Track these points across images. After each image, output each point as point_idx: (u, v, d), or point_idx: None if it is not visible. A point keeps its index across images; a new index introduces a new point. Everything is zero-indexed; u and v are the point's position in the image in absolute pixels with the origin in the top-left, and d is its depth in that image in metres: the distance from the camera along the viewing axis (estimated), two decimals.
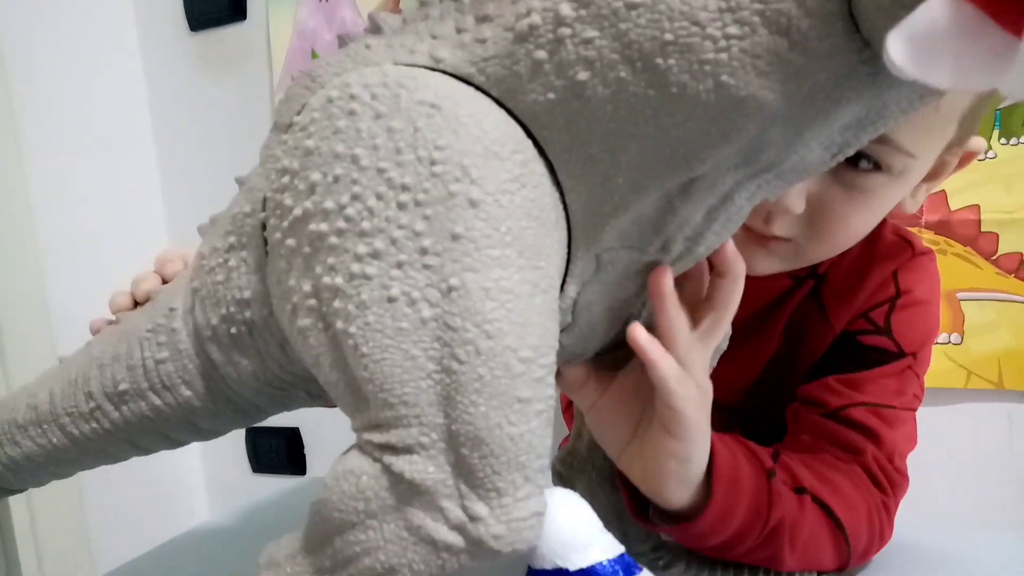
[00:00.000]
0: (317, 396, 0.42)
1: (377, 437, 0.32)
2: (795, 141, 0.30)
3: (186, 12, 1.30)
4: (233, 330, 0.39)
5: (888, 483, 0.53)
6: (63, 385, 0.44)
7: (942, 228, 1.07)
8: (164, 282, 0.46)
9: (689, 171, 0.31)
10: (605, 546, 0.32)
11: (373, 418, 0.32)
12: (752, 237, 0.52)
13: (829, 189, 0.50)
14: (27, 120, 1.15)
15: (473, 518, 0.30)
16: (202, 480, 1.46)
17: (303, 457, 1.37)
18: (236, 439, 1.41)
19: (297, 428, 1.37)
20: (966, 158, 0.54)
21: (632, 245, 0.35)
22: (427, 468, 0.31)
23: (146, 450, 0.45)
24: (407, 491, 0.31)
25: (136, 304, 0.46)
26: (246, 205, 0.38)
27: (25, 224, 1.13)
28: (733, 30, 0.27)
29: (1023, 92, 0.20)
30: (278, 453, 1.36)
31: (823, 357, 0.58)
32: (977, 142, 0.54)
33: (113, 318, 0.46)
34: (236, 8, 1.26)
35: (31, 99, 1.16)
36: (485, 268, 0.30)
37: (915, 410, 0.57)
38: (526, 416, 0.30)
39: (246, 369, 0.40)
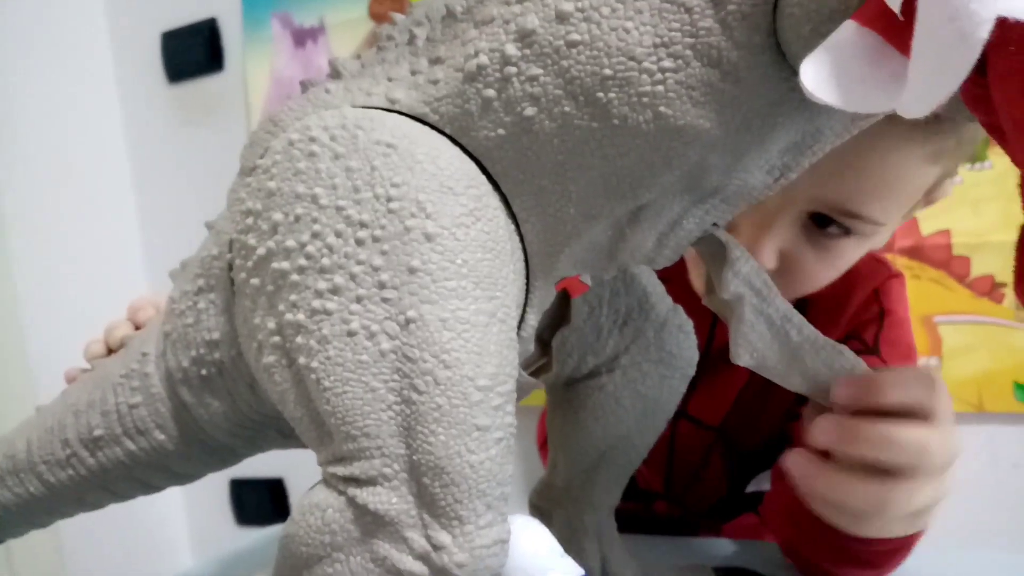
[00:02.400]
0: (288, 435, 0.43)
1: (341, 470, 0.32)
2: (735, 166, 0.32)
3: (164, 63, 1.33)
4: (203, 371, 0.40)
5: None
6: (40, 433, 0.44)
7: (915, 254, 1.09)
8: (137, 328, 0.47)
9: (636, 199, 0.32)
10: (566, 569, 0.32)
11: (337, 451, 0.32)
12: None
13: (800, 248, 0.52)
14: (4, 170, 1.16)
15: (437, 547, 0.30)
16: (186, 533, 1.44)
17: (287, 507, 1.35)
18: (219, 491, 1.39)
19: (281, 479, 1.36)
20: (929, 202, 0.56)
21: (587, 271, 0.36)
22: (391, 499, 0.31)
23: (122, 496, 0.45)
24: (372, 523, 0.31)
25: (110, 351, 0.47)
26: (214, 248, 0.39)
27: (4, 273, 1.13)
28: (667, 64, 0.29)
29: (915, 110, 0.21)
30: (262, 504, 1.34)
31: None
32: (943, 190, 0.55)
33: (88, 366, 0.47)
34: (213, 58, 1.29)
35: (9, 150, 1.17)
36: (442, 300, 0.31)
37: None
38: (485, 444, 0.31)
39: (217, 410, 0.40)
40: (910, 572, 0.56)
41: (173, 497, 1.40)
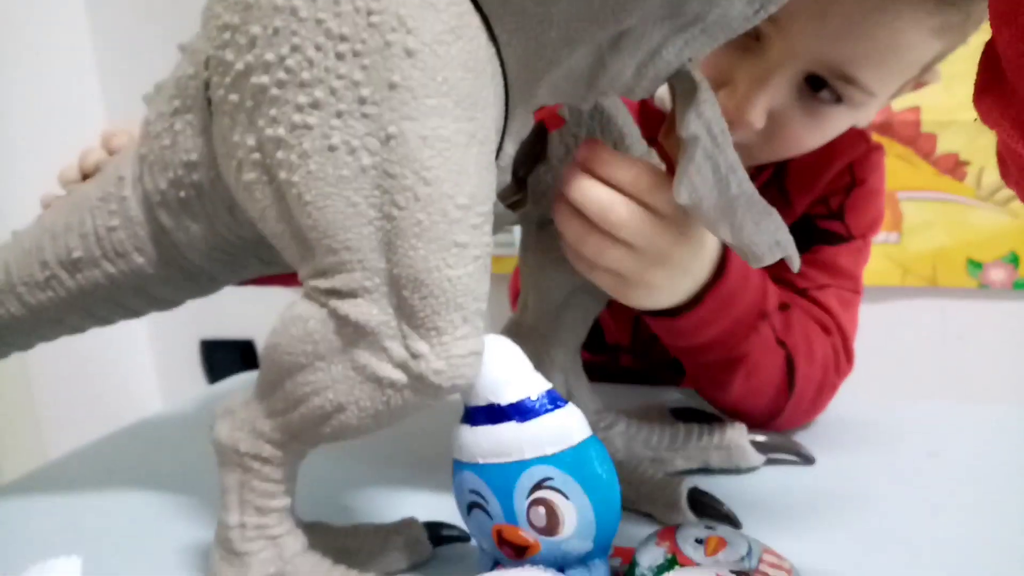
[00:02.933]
0: (268, 262, 0.44)
1: (323, 283, 0.33)
2: None
3: None
4: (182, 194, 0.40)
5: (842, 368, 0.58)
6: (18, 255, 0.44)
7: (885, 129, 1.10)
8: (111, 155, 0.46)
9: (617, 23, 0.32)
10: (533, 383, 0.35)
11: (318, 265, 0.33)
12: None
13: (790, 111, 0.53)
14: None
15: (415, 355, 0.32)
16: (157, 393, 1.47)
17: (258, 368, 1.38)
18: (190, 352, 1.41)
19: (251, 340, 1.37)
20: (919, 84, 0.57)
21: (566, 101, 0.36)
22: (371, 310, 0.32)
23: (104, 320, 0.46)
24: (352, 333, 0.33)
25: (84, 177, 0.47)
26: (189, 68, 0.38)
27: None
28: None
29: None
30: (233, 365, 1.37)
31: None
32: (934, 74, 0.56)
33: (63, 193, 0.46)
34: None
35: None
36: (422, 117, 0.31)
37: (860, 295, 0.62)
38: (463, 260, 0.32)
39: (196, 233, 0.41)
40: (858, 418, 0.60)
41: (144, 358, 1.42)
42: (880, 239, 1.15)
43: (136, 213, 0.42)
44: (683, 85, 0.38)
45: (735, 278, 0.48)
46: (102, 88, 1.36)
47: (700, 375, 0.55)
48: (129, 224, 0.42)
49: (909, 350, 1.16)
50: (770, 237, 0.39)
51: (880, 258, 1.16)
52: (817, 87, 0.51)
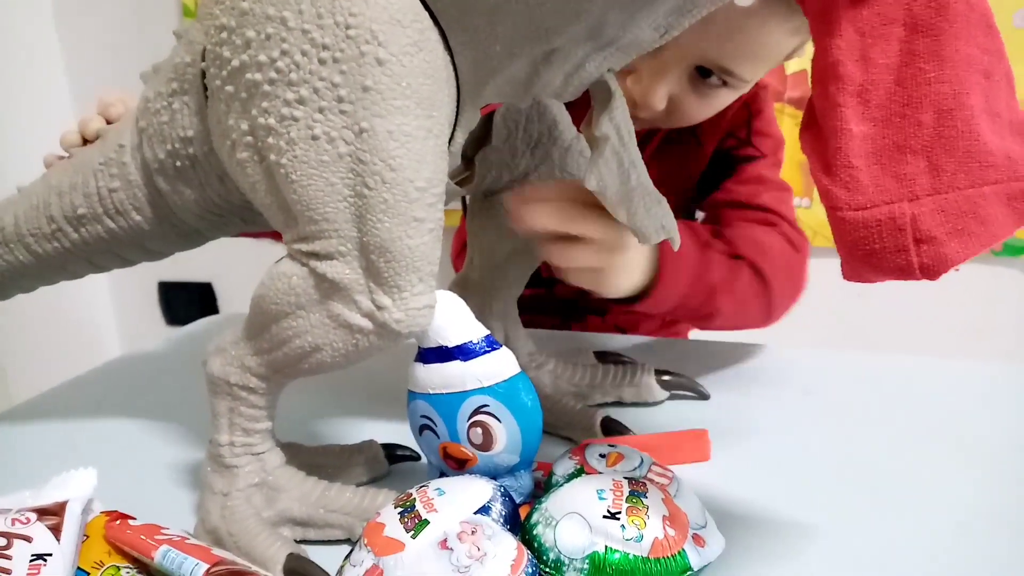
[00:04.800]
0: (249, 222, 0.50)
1: (304, 247, 0.40)
2: (629, 22, 0.39)
3: None
4: (178, 163, 0.46)
5: (799, 243, 0.72)
6: (26, 210, 0.50)
7: (802, 103, 1.20)
8: (108, 123, 0.52)
9: (549, 43, 0.40)
10: (476, 330, 0.43)
11: (301, 232, 0.40)
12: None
13: (684, 95, 0.65)
14: None
15: (380, 307, 0.40)
16: (115, 332, 1.50)
17: (216, 310, 1.41)
18: (148, 293, 1.44)
19: (210, 283, 1.40)
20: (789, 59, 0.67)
21: (507, 100, 0.44)
22: (344, 270, 0.39)
23: (101, 268, 0.53)
24: (328, 288, 0.40)
25: (86, 142, 0.53)
26: (187, 56, 0.44)
27: None
28: None
29: None
30: (191, 305, 1.39)
31: (703, 175, 0.76)
32: (798, 54, 0.66)
33: (65, 154, 0.52)
34: None
35: None
36: (389, 115, 0.38)
37: (789, 192, 0.76)
38: (421, 232, 0.40)
39: (189, 197, 0.48)
40: (748, 362, 0.70)
41: (102, 298, 1.45)
42: (794, 203, 1.26)
43: (135, 177, 0.48)
44: (600, 93, 0.46)
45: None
46: (68, 78, 1.36)
47: (690, 318, 0.68)
48: (128, 187, 0.48)
49: (814, 305, 1.28)
50: (657, 222, 0.48)
51: None
52: (705, 75, 0.63)
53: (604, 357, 0.65)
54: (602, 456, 0.45)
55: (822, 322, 1.29)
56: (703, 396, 0.63)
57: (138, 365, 0.77)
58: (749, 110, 0.75)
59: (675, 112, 0.65)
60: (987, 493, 0.48)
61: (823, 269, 1.28)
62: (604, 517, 0.36)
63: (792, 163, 1.26)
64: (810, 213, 1.25)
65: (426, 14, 0.40)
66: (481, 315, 0.44)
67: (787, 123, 1.23)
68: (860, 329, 1.30)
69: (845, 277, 0.32)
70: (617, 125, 0.46)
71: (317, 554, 0.42)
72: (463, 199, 0.62)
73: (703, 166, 0.77)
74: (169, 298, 1.41)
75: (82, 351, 1.41)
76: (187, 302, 1.39)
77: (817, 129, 0.31)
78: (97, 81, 1.32)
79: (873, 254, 0.30)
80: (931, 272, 0.29)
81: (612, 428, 0.54)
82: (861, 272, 0.31)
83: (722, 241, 0.68)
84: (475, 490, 0.39)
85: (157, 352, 0.80)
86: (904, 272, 0.30)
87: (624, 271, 0.58)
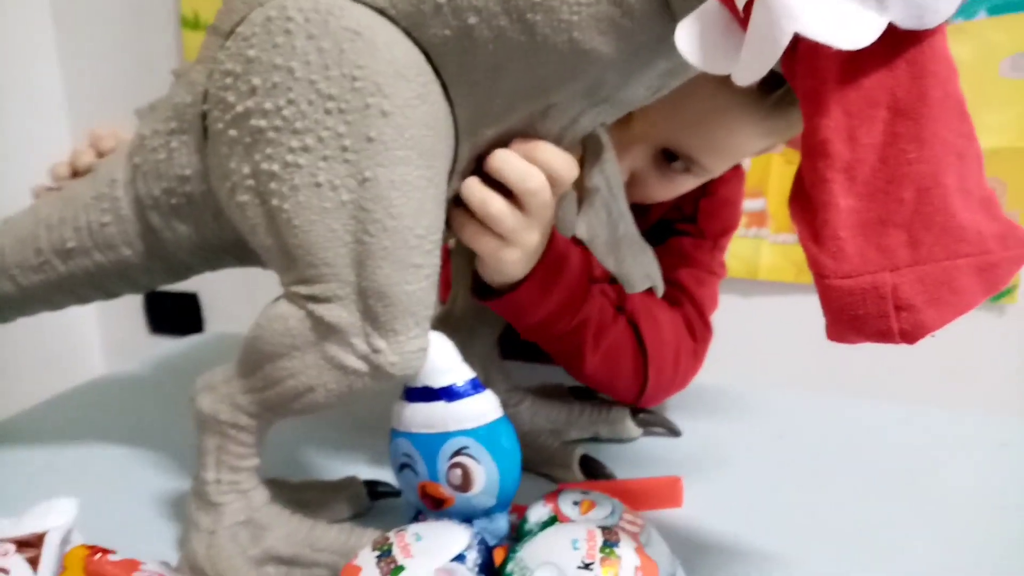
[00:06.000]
0: (243, 259, 0.51)
1: (303, 289, 0.41)
2: (624, 83, 0.41)
3: None
4: (173, 200, 0.47)
5: (700, 333, 0.67)
6: (11, 242, 0.50)
7: (793, 142, 1.23)
8: (99, 156, 0.52)
9: (547, 99, 0.41)
10: (462, 372, 0.44)
11: (300, 275, 0.41)
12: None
13: (646, 174, 0.62)
14: None
15: (376, 350, 0.41)
16: (98, 340, 1.47)
17: (200, 320, 1.39)
18: (132, 301, 1.41)
19: (195, 293, 1.38)
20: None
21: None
22: (342, 313, 0.40)
23: (84, 300, 0.53)
24: (325, 330, 0.41)
25: (75, 174, 0.53)
26: (187, 96, 0.45)
27: None
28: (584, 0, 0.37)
29: (742, 79, 0.31)
30: (175, 315, 1.39)
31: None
32: (768, 151, 0.65)
33: (53, 185, 0.52)
34: None
35: None
36: (392, 165, 0.39)
37: (720, 278, 0.72)
38: (418, 278, 0.41)
39: (183, 233, 0.48)
40: (722, 400, 0.72)
41: (87, 306, 1.41)
42: (780, 239, 1.29)
43: (127, 212, 0.48)
44: (592, 146, 0.47)
45: (559, 248, 0.54)
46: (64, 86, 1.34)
47: (556, 351, 0.61)
48: (120, 221, 0.49)
49: (797, 343, 1.29)
50: (643, 270, 0.50)
51: (778, 256, 1.30)
52: (671, 159, 0.61)
53: (580, 393, 0.66)
54: (575, 504, 0.46)
55: (798, 361, 1.30)
56: (675, 433, 0.64)
57: (121, 384, 0.76)
58: (704, 188, 0.71)
59: (635, 187, 0.63)
60: (957, 542, 0.50)
61: (808, 305, 1.31)
62: (579, 568, 0.37)
63: (783, 202, 1.29)
64: (795, 249, 1.28)
65: (429, 68, 0.41)
66: (462, 350, 0.45)
67: (776, 160, 1.26)
68: (836, 370, 1.32)
69: (829, 338, 0.33)
70: (607, 177, 0.47)
71: None
72: None
73: (643, 229, 0.73)
74: (153, 307, 1.39)
75: (65, 358, 1.39)
76: (171, 311, 1.38)
77: (806, 200, 0.33)
78: (94, 91, 1.31)
79: (857, 319, 0.31)
80: (910, 337, 0.31)
81: (590, 466, 0.56)
82: (845, 334, 0.33)
83: (615, 291, 0.63)
84: (452, 537, 0.40)
85: (141, 372, 0.80)
86: (885, 336, 0.32)
87: (523, 252, 0.50)
